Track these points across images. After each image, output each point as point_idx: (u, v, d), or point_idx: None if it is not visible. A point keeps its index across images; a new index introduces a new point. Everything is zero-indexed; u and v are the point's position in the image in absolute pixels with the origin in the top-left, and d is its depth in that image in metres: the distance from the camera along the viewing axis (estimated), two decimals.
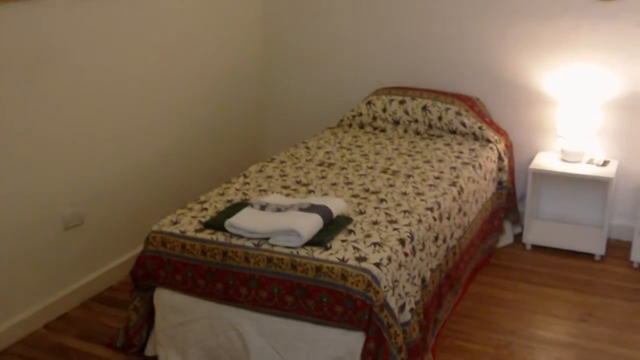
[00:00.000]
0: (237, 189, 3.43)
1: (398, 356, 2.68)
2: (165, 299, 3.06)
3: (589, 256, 4.22)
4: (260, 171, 3.68)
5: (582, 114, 4.13)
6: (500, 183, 4.20)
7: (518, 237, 4.46)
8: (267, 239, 2.83)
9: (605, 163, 4.20)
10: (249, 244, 2.83)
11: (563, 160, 4.26)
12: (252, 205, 3.04)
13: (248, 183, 3.51)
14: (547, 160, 4.30)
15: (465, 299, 3.74)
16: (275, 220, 2.86)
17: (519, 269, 4.11)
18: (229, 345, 2.95)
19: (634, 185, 4.20)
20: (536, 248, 4.34)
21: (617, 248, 4.31)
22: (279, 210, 2.97)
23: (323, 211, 2.89)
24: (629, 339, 3.39)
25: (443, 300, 3.36)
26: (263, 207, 3.01)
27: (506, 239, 4.39)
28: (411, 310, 2.82)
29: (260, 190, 3.39)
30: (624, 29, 4.07)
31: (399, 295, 2.75)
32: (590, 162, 4.22)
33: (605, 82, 4.21)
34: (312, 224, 2.80)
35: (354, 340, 2.70)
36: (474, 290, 3.84)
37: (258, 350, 2.87)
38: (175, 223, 3.06)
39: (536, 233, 4.40)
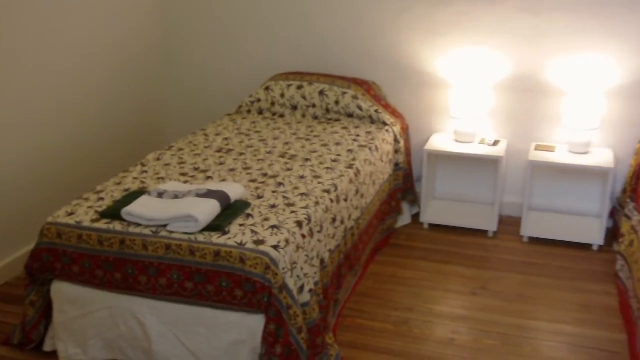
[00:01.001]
0: (134, 178, 3.39)
1: (298, 336, 2.73)
2: (62, 291, 3.00)
3: (483, 233, 4.40)
4: (158, 159, 3.65)
5: (473, 96, 4.28)
6: (397, 165, 4.31)
7: (416, 217, 4.59)
8: (165, 226, 2.82)
9: (496, 143, 4.38)
10: (146, 231, 2.81)
11: (456, 141, 4.41)
12: (149, 193, 3.02)
13: (146, 171, 3.48)
14: (441, 142, 4.44)
15: (365, 279, 3.83)
16: (172, 207, 2.85)
17: (417, 248, 4.24)
18: (130, 335, 2.93)
19: (522, 164, 4.39)
20: (433, 227, 4.49)
21: (509, 224, 4.51)
22: (176, 197, 2.96)
23: (220, 196, 2.91)
24: (519, 309, 3.56)
25: (343, 281, 3.43)
26: (160, 195, 3.00)
27: (404, 219, 4.52)
28: (310, 291, 2.87)
29: (158, 179, 3.37)
30: (511, 13, 4.24)
31: (298, 276, 2.79)
32: (482, 142, 4.39)
33: (494, 65, 4.38)
34: (209, 209, 2.81)
35: (255, 322, 2.73)
36: (374, 270, 3.94)
37: (160, 338, 2.86)
38: (70, 214, 3.00)
39: (433, 213, 4.55)
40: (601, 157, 4.18)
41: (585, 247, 4.22)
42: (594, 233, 4.24)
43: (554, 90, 4.31)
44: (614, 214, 4.27)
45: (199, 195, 2.93)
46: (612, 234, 4.23)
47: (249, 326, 2.74)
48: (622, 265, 3.69)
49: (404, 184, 4.42)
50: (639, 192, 3.74)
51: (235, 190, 3.03)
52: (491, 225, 4.35)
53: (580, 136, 4.18)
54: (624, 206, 3.98)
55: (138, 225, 2.85)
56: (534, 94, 4.37)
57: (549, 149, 4.29)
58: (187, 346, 2.84)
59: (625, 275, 3.58)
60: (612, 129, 4.29)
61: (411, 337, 3.31)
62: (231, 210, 2.92)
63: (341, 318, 3.44)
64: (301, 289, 2.81)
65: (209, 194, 2.92)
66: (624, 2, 4.03)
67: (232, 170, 3.47)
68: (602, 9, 4.09)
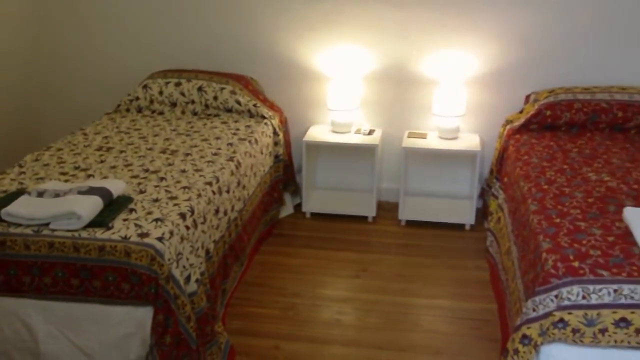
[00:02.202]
0: (12, 179, 3.33)
1: (187, 325, 2.79)
2: None
3: (363, 218, 4.58)
4: (37, 160, 3.60)
5: (348, 88, 4.45)
6: (277, 157, 4.43)
7: (298, 207, 4.72)
8: (48, 224, 2.81)
9: (371, 132, 4.57)
10: (28, 231, 2.79)
11: (334, 131, 4.57)
12: (29, 193, 2.99)
13: (24, 172, 3.43)
14: (319, 133, 4.59)
15: (251, 269, 3.92)
16: (54, 205, 2.84)
17: (300, 236, 4.38)
18: (15, 337, 2.87)
19: (397, 151, 4.59)
20: (315, 216, 4.63)
21: (387, 209, 4.71)
22: (57, 195, 2.95)
23: (102, 192, 2.92)
24: (399, 288, 3.76)
25: (229, 271, 3.51)
26: (41, 194, 2.97)
27: (287, 209, 4.65)
28: (197, 280, 2.93)
29: (38, 179, 3.33)
30: (380, 9, 4.43)
31: (184, 267, 2.85)
32: (358, 132, 4.57)
33: (367, 58, 4.56)
34: (91, 205, 2.82)
35: (143, 314, 2.76)
36: (260, 260, 4.04)
37: (47, 338, 2.83)
38: None
39: (314, 202, 4.69)
40: (469, 141, 4.45)
41: (459, 227, 4.48)
42: (465, 213, 4.51)
43: (424, 81, 4.54)
44: (483, 195, 4.55)
45: (80, 193, 2.93)
46: (483, 213, 4.50)
47: (138, 318, 2.77)
48: (491, 241, 3.95)
49: (285, 175, 4.54)
50: (503, 172, 4.01)
51: (117, 186, 3.05)
52: (370, 211, 4.54)
53: (449, 123, 4.43)
54: (492, 186, 4.25)
55: (19, 225, 2.82)
56: (405, 85, 4.59)
57: (421, 136, 4.52)
58: (75, 343, 2.82)
59: (495, 250, 3.84)
60: (478, 116, 4.57)
61: (298, 321, 3.43)
62: (114, 205, 2.94)
63: (229, 307, 3.52)
64: (188, 279, 2.87)
65: (91, 191, 2.93)
66: None
67: (113, 167, 3.48)
68: (463, 4, 4.35)
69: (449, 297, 3.68)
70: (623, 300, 2.42)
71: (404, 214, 4.51)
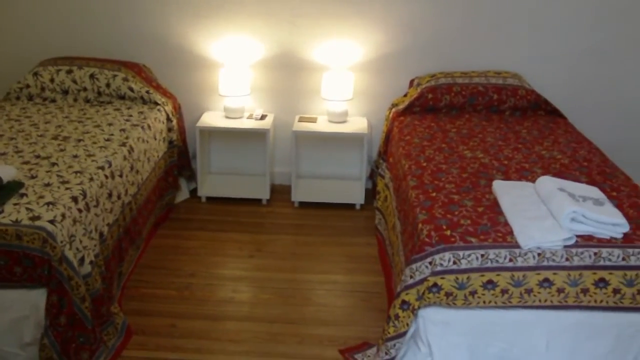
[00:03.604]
0: None
1: (82, 305, 2.85)
2: None
3: (257, 201, 4.71)
4: None
5: (240, 74, 4.56)
6: (171, 142, 4.49)
7: (194, 192, 4.81)
8: None
9: (263, 117, 4.70)
10: None
11: (227, 117, 4.67)
12: None
13: None
14: (212, 118, 4.69)
15: (148, 252, 3.99)
16: None
17: (196, 219, 4.47)
18: None
19: (289, 136, 4.73)
20: (211, 200, 4.73)
21: (281, 192, 4.86)
22: None
23: None
24: (292, 266, 3.92)
25: (125, 254, 3.58)
26: None
27: (183, 194, 4.73)
28: (91, 262, 3.00)
29: None
30: None
31: (77, 249, 2.91)
32: (250, 117, 4.69)
33: (258, 45, 4.68)
34: None
35: (37, 296, 2.81)
36: (156, 243, 4.11)
37: None
38: None
39: (209, 186, 4.79)
40: (357, 125, 4.64)
41: (350, 206, 4.67)
42: (356, 194, 4.71)
43: (313, 67, 4.70)
44: (372, 176, 4.76)
45: None
46: (373, 194, 4.71)
47: (31, 301, 2.82)
48: (379, 218, 4.16)
49: (180, 161, 4.62)
50: (388, 153, 4.22)
51: (6, 172, 3.06)
52: (264, 194, 4.68)
53: (337, 107, 4.61)
54: (379, 167, 4.46)
55: None
56: (295, 71, 4.73)
57: (311, 120, 4.68)
58: None
59: (383, 227, 4.05)
60: (366, 100, 4.78)
61: (194, 300, 3.54)
62: (4, 191, 2.96)
63: (126, 289, 3.59)
64: (82, 261, 2.93)
65: None
66: None
67: (2, 154, 3.46)
68: None
69: (340, 273, 3.86)
70: (489, 264, 2.66)
71: (297, 196, 4.67)
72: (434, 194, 3.12)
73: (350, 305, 3.56)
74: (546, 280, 2.66)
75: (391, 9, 4.54)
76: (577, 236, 2.71)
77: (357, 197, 4.67)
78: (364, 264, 3.96)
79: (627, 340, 2.76)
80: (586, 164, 3.49)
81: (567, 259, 2.66)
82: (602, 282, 2.67)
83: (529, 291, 2.68)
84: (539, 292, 2.68)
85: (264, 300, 3.56)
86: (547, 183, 3.01)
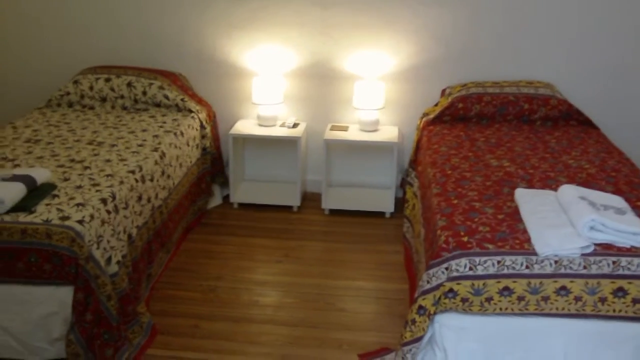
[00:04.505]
0: None
1: (108, 303, 2.95)
2: None
3: (288, 208, 4.77)
4: None
5: (273, 83, 4.64)
6: (204, 149, 4.59)
7: (227, 198, 4.90)
8: None
9: (295, 125, 4.77)
10: None
11: (260, 125, 4.75)
12: None
13: None
14: (246, 126, 4.77)
15: (178, 255, 4.08)
16: None
17: (227, 225, 4.56)
18: None
19: (321, 144, 4.78)
20: (243, 206, 4.81)
21: (312, 200, 4.93)
22: None
23: (26, 179, 3.05)
24: (319, 272, 3.97)
25: (154, 256, 3.67)
26: None
27: (215, 200, 4.82)
28: (118, 262, 3.09)
29: None
30: (303, 7, 4.64)
31: (105, 249, 3.01)
32: (283, 125, 4.76)
33: (291, 54, 4.76)
34: (14, 191, 2.96)
35: (65, 294, 2.92)
36: (187, 247, 4.20)
37: None
38: None
39: (242, 193, 4.87)
40: (388, 133, 4.68)
41: (379, 214, 4.71)
42: (386, 202, 4.74)
43: (345, 76, 4.76)
44: (403, 185, 4.78)
45: (4, 180, 3.06)
46: (403, 202, 4.73)
47: (60, 298, 2.92)
48: (407, 227, 4.18)
49: (213, 167, 4.71)
50: (418, 162, 4.24)
51: (41, 174, 3.18)
52: (295, 201, 4.74)
53: (369, 116, 4.66)
54: (409, 175, 4.48)
55: None
56: (327, 80, 4.80)
57: (343, 129, 4.73)
58: (0, 324, 2.97)
59: (410, 235, 4.07)
60: (397, 109, 4.81)
61: (218, 302, 3.61)
62: (38, 192, 3.08)
63: (154, 290, 3.68)
64: (109, 260, 3.03)
65: (15, 178, 3.06)
66: None
67: (40, 157, 3.60)
68: (383, 5, 4.57)
69: (365, 279, 3.89)
70: (505, 271, 2.67)
71: (327, 204, 4.73)
72: (455, 201, 3.14)
73: (373, 311, 3.59)
74: (563, 288, 2.66)
75: (422, 19, 4.59)
76: (596, 245, 2.70)
77: (387, 205, 4.70)
78: (390, 271, 3.98)
79: None
80: (614, 174, 3.47)
81: (584, 267, 2.65)
82: (620, 292, 2.65)
83: (545, 299, 2.67)
84: (556, 300, 2.67)
85: (287, 304, 3.61)
86: (568, 191, 3.00)
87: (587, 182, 3.33)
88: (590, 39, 4.53)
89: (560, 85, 4.58)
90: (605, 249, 2.69)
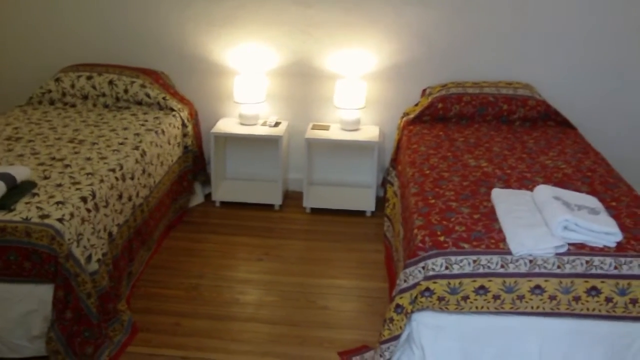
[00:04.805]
0: None
1: (88, 301, 2.96)
2: None
3: (270, 207, 4.80)
4: None
5: (254, 82, 4.66)
6: (186, 147, 4.61)
7: (209, 197, 4.92)
8: None
9: (277, 124, 4.79)
10: None
11: (242, 124, 4.78)
12: None
13: None
14: (228, 125, 4.79)
15: (159, 253, 4.10)
16: None
17: (209, 223, 4.58)
18: None
19: (302, 143, 4.81)
20: (225, 204, 4.83)
21: (293, 198, 4.96)
22: None
23: (5, 177, 3.06)
24: (300, 270, 4.00)
25: (135, 254, 3.69)
26: None
27: (197, 198, 4.84)
28: (98, 260, 3.11)
29: None
30: (285, 6, 4.66)
31: (85, 247, 3.03)
32: (264, 124, 4.79)
33: (272, 53, 4.78)
34: None
35: (45, 292, 2.93)
36: (168, 245, 4.22)
37: None
38: None
39: (224, 191, 4.90)
40: (369, 133, 4.71)
41: (360, 213, 4.74)
42: (367, 201, 4.77)
43: (327, 75, 4.79)
44: (384, 184, 4.81)
45: None
46: (383, 201, 4.76)
47: (40, 296, 2.94)
48: (388, 225, 4.22)
49: (195, 166, 4.73)
50: (398, 161, 4.28)
51: (21, 172, 3.19)
52: (276, 200, 4.77)
53: (350, 115, 4.69)
54: (390, 175, 4.52)
55: None
56: (309, 79, 4.83)
57: (324, 128, 4.76)
58: None
59: (390, 234, 4.11)
60: (379, 108, 4.85)
61: (200, 300, 3.64)
62: (17, 190, 3.09)
63: (136, 288, 3.70)
64: (89, 258, 3.05)
65: None
66: None
67: (20, 155, 3.61)
68: (363, 4, 4.60)
69: (346, 278, 3.93)
70: (481, 270, 2.71)
71: (309, 202, 4.75)
72: (432, 201, 3.18)
73: (353, 309, 3.63)
74: (538, 287, 2.70)
75: (404, 19, 4.62)
76: (570, 244, 2.75)
77: (368, 204, 4.74)
78: (370, 270, 4.02)
79: (621, 349, 2.77)
80: (590, 174, 3.52)
81: (558, 267, 2.70)
82: (594, 291, 2.70)
83: (520, 297, 2.72)
84: (530, 299, 2.72)
85: (268, 303, 3.64)
86: (543, 191, 3.05)
87: (563, 182, 3.38)
88: (570, 39, 4.58)
89: (539, 86, 4.63)
90: (579, 248, 2.74)
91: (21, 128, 4.07)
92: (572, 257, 2.71)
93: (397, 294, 2.83)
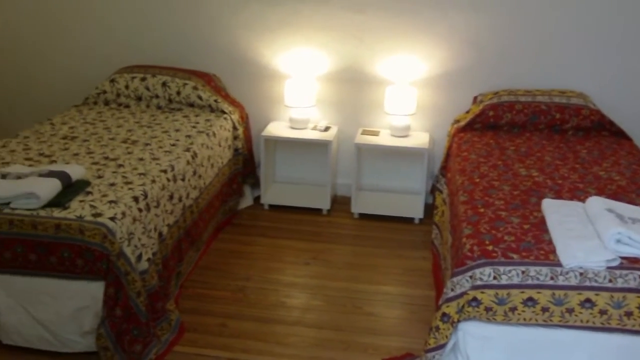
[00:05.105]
0: None
1: (137, 299, 3.01)
2: None
3: (318, 211, 4.81)
4: (4, 146, 3.80)
5: (306, 86, 4.69)
6: (236, 150, 4.65)
7: (258, 199, 4.95)
8: (8, 203, 3.03)
9: (327, 129, 4.81)
10: None
11: (292, 127, 4.80)
12: None
13: None
14: (278, 128, 4.83)
15: (208, 254, 4.14)
16: (15, 186, 3.06)
17: (258, 226, 4.61)
18: None
19: (352, 148, 4.81)
20: (273, 207, 4.86)
21: (342, 203, 4.96)
22: (19, 177, 3.17)
23: (61, 176, 3.14)
24: (347, 275, 4.00)
25: (184, 255, 3.73)
26: (4, 176, 3.19)
27: (246, 201, 4.88)
28: (148, 259, 3.16)
29: (3, 163, 3.53)
30: (338, 12, 4.68)
31: (135, 246, 3.08)
32: (314, 128, 4.81)
33: (324, 58, 4.80)
34: (50, 187, 3.05)
35: (96, 289, 2.99)
36: (217, 247, 4.26)
37: (8, 310, 3.07)
38: None
39: (273, 194, 4.93)
40: (419, 139, 4.69)
41: (408, 220, 4.72)
42: (415, 208, 4.75)
43: (377, 81, 4.79)
44: (433, 191, 4.79)
45: (41, 175, 3.15)
46: (432, 209, 4.74)
47: (91, 292, 3.00)
48: (436, 233, 4.19)
49: (245, 169, 4.77)
50: (448, 168, 4.25)
51: (76, 171, 3.26)
52: (325, 204, 4.78)
53: (400, 121, 4.68)
54: (439, 182, 4.49)
55: None
56: (359, 84, 4.83)
57: (374, 133, 4.76)
58: (33, 315, 3.05)
59: (439, 241, 4.08)
60: (429, 115, 4.82)
61: (246, 302, 3.67)
62: (72, 188, 3.16)
63: (184, 288, 3.74)
64: (139, 257, 3.10)
65: (51, 174, 3.15)
66: (431, 2, 4.57)
67: (75, 154, 3.69)
68: (415, 10, 4.60)
69: (393, 284, 3.91)
70: (530, 281, 2.68)
71: (357, 208, 4.75)
72: (482, 210, 3.15)
73: (399, 316, 3.62)
74: (588, 300, 2.66)
75: (455, 26, 4.59)
76: (623, 258, 2.70)
77: (416, 211, 4.72)
78: (417, 277, 4.00)
79: None
80: None
81: (610, 280, 2.65)
82: None
83: (570, 311, 2.67)
84: (580, 312, 2.68)
85: (314, 307, 3.65)
86: (596, 203, 3.00)
87: (617, 194, 3.32)
88: (625, 47, 4.49)
89: (593, 95, 4.55)
90: (632, 262, 2.69)
91: (77, 127, 4.17)
92: (624, 271, 2.66)
93: (443, 303, 2.81)
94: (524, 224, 2.99)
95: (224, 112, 4.60)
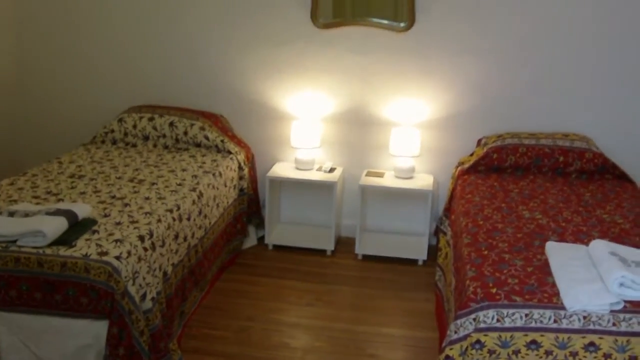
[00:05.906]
0: None
1: (140, 339, 3.01)
2: None
3: (322, 252, 4.82)
4: (12, 184, 3.84)
5: (311, 128, 4.74)
6: (241, 190, 4.69)
7: (262, 239, 4.96)
8: (15, 241, 3.05)
9: (332, 170, 4.84)
10: None
11: (297, 168, 4.84)
12: (0, 213, 3.24)
13: None
14: (283, 169, 4.87)
15: (211, 294, 4.15)
16: (22, 224, 3.08)
17: (261, 266, 4.62)
18: None
19: (357, 189, 4.84)
20: (277, 248, 4.88)
21: (346, 244, 4.97)
22: (27, 215, 3.19)
23: (68, 214, 3.17)
24: (350, 316, 3.99)
25: (188, 294, 3.74)
26: (12, 214, 3.22)
27: (250, 241, 4.89)
28: (152, 299, 3.17)
29: (11, 201, 3.57)
30: (342, 54, 4.75)
31: (140, 285, 3.09)
32: (319, 169, 4.84)
33: (330, 99, 4.87)
34: (57, 225, 3.07)
35: (100, 327, 2.99)
36: (221, 287, 4.27)
37: (9, 348, 3.06)
38: None
39: (277, 235, 4.95)
40: (423, 181, 4.72)
41: (412, 262, 4.73)
42: (419, 249, 4.76)
43: (382, 123, 4.84)
44: (437, 233, 4.80)
45: (48, 214, 3.17)
46: (436, 251, 4.74)
47: (95, 331, 3.00)
48: (439, 275, 4.20)
49: (249, 209, 4.80)
50: (452, 210, 4.27)
51: (82, 209, 3.29)
52: (329, 245, 4.80)
53: (405, 163, 4.71)
54: (443, 224, 4.51)
55: None
56: (364, 126, 4.89)
57: (378, 175, 4.79)
58: (36, 354, 3.05)
59: (442, 283, 4.08)
60: (433, 157, 4.86)
61: (249, 343, 3.66)
62: (78, 226, 3.19)
63: (187, 328, 3.74)
64: (143, 296, 3.10)
65: (58, 212, 3.17)
66: (436, 46, 4.64)
67: (82, 193, 3.72)
68: (420, 54, 4.68)
69: (396, 326, 3.91)
70: (533, 324, 2.67)
71: (361, 249, 4.77)
72: (485, 252, 3.16)
73: (402, 358, 3.61)
74: (592, 344, 2.65)
75: (459, 68, 4.66)
76: (627, 302, 2.70)
77: (420, 252, 4.73)
78: (420, 319, 3.99)
79: None
80: None
81: (614, 324, 2.64)
82: None
83: (574, 354, 2.66)
84: (584, 356, 2.66)
85: (317, 348, 3.64)
86: (599, 246, 3.01)
87: (620, 238, 3.33)
88: (628, 91, 4.55)
89: (596, 138, 4.59)
90: (636, 306, 2.68)
91: (84, 166, 4.21)
92: (628, 315, 2.65)
93: (447, 345, 2.80)
94: (527, 267, 2.99)
95: (230, 153, 4.64)
